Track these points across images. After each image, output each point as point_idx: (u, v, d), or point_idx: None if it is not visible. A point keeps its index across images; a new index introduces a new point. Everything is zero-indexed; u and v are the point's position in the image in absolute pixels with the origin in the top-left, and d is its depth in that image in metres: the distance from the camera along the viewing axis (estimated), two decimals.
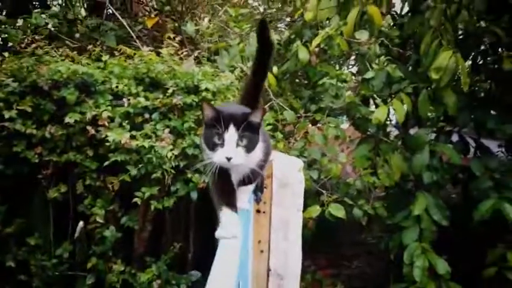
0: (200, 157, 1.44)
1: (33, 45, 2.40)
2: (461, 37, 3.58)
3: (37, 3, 3.66)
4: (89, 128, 2.25)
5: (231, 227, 1.38)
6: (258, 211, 2.18)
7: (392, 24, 3.99)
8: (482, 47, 3.68)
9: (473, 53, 3.68)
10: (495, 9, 3.30)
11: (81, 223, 2.40)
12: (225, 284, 1.08)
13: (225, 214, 1.41)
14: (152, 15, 3.79)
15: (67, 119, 2.25)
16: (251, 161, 1.39)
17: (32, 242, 2.40)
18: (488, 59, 3.74)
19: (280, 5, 4.77)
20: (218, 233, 1.37)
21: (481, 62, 3.80)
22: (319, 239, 4.74)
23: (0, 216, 2.35)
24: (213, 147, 1.33)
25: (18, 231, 2.41)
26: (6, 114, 2.19)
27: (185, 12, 3.64)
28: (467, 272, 3.48)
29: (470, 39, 3.45)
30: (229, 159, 1.31)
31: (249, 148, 1.35)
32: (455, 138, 3.81)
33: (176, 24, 3.98)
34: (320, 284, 4.24)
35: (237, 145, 1.32)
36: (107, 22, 3.36)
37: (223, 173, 1.41)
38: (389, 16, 4.24)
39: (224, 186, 1.46)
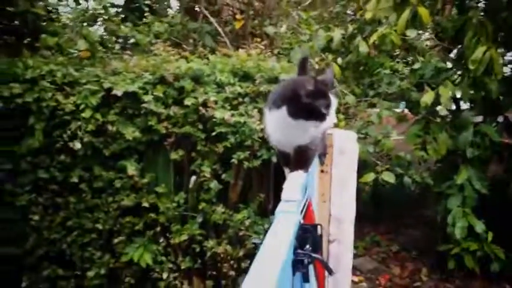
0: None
1: (162, 49, 3.29)
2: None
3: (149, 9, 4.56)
4: (200, 108, 3.03)
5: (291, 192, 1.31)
6: (322, 171, 2.88)
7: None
8: None
9: None
10: None
11: (194, 177, 3.21)
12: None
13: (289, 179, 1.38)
14: (238, 17, 4.58)
15: (185, 102, 3.04)
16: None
17: (160, 190, 3.22)
18: None
19: (346, 2, 5.39)
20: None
21: None
22: (382, 212, 5.40)
23: (138, 171, 3.20)
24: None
25: (150, 182, 3.23)
26: (146, 98, 3.04)
27: (265, 14, 4.39)
28: (507, 237, 3.98)
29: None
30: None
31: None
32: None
33: (256, 22, 4.75)
34: (378, 244, 4.92)
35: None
36: (204, 25, 4.20)
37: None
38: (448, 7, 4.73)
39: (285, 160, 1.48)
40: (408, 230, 5.33)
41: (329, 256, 2.95)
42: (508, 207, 4.09)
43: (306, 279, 1.07)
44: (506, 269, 3.92)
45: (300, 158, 1.40)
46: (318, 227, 1.25)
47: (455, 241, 3.91)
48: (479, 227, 3.72)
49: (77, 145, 3.02)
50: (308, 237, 1.16)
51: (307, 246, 1.12)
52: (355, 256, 3.55)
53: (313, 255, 1.09)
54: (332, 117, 1.35)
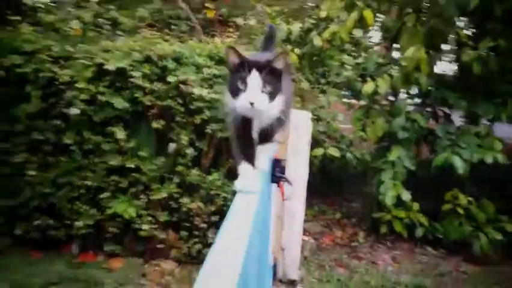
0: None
1: (149, 32, 3.79)
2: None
3: None
4: (181, 85, 3.54)
5: (248, 181, 1.34)
6: (279, 142, 3.50)
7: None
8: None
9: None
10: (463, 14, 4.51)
11: (172, 144, 3.71)
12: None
13: (243, 169, 1.38)
14: (208, 5, 5.09)
15: (168, 79, 3.52)
16: (273, 110, 1.33)
17: (142, 154, 3.66)
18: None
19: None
20: (236, 186, 1.33)
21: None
22: (329, 187, 6.12)
23: (125, 136, 3.62)
24: (236, 92, 1.28)
25: (134, 147, 3.66)
26: (134, 74, 3.51)
27: (234, 5, 4.95)
28: (430, 207, 4.78)
29: (440, 37, 4.68)
30: (252, 103, 1.25)
31: (272, 95, 1.28)
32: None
33: (224, 11, 5.28)
34: (324, 212, 5.65)
35: (261, 91, 1.26)
36: (178, 11, 4.70)
37: (244, 127, 1.38)
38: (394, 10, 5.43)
39: (244, 141, 1.41)
40: (351, 202, 6.10)
41: (285, 209, 3.61)
42: (432, 183, 4.86)
43: (278, 185, 1.73)
44: (428, 233, 4.69)
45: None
46: (283, 160, 1.91)
47: (387, 209, 4.67)
48: (405, 196, 4.42)
49: (74, 111, 3.46)
50: (278, 165, 1.82)
51: (278, 169, 1.77)
52: (305, 221, 4.19)
53: (282, 175, 1.76)
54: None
